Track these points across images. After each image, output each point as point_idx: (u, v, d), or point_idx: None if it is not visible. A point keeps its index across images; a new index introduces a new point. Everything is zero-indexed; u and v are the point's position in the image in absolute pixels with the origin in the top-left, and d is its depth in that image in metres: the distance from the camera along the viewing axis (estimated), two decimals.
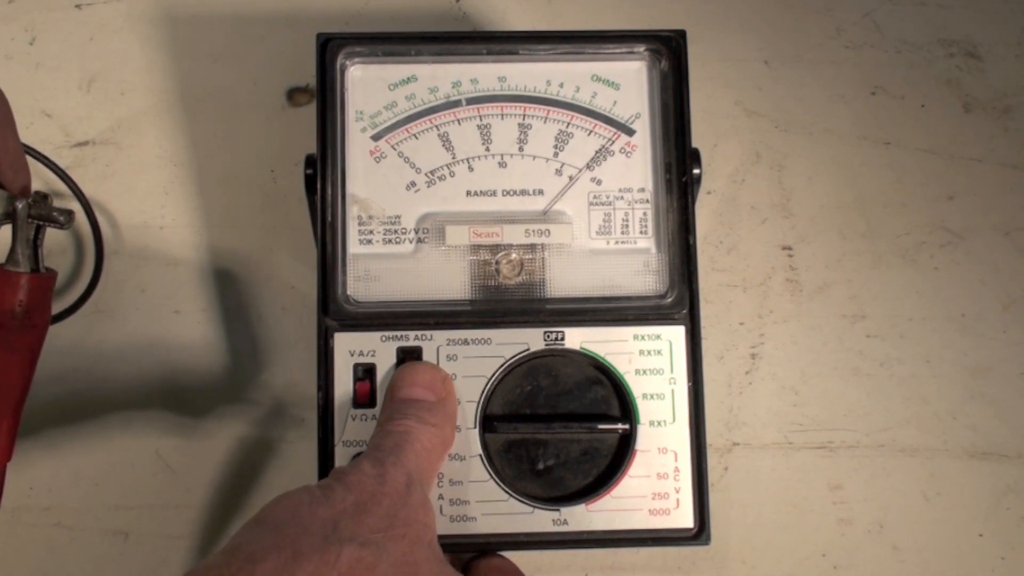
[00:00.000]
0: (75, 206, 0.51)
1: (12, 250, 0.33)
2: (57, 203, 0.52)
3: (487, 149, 0.45)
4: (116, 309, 0.51)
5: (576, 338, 0.43)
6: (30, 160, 0.51)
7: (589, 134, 0.45)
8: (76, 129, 0.53)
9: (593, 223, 0.45)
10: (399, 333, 0.43)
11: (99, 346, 0.50)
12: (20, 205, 0.33)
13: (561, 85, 0.45)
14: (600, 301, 0.44)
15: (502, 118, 0.45)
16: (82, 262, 0.51)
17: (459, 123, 0.45)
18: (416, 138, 0.45)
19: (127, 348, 0.50)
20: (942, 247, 0.54)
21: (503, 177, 0.45)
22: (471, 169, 0.45)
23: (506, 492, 0.42)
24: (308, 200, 0.44)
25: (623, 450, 0.43)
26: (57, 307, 0.50)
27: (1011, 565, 0.50)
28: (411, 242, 0.44)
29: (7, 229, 0.34)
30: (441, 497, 0.42)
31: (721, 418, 0.51)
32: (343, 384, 0.43)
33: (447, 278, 0.44)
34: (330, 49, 0.44)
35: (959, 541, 0.50)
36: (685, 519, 0.43)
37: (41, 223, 0.34)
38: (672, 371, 0.44)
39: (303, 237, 0.51)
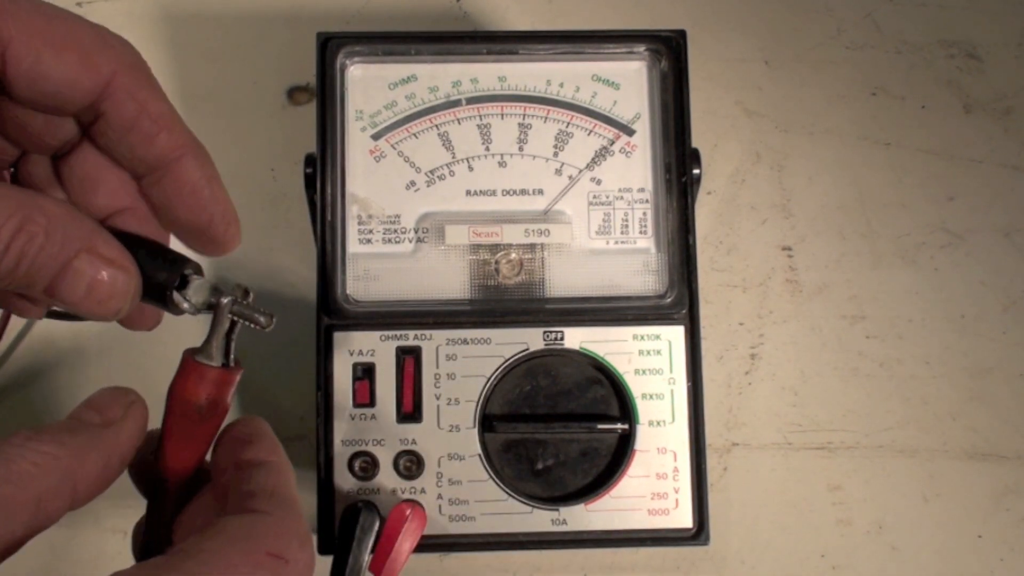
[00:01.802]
0: None
1: (207, 342, 0.33)
2: None
3: (487, 149, 0.45)
4: None
5: (575, 338, 0.43)
6: None
7: (589, 134, 0.45)
8: None
9: (593, 223, 0.45)
10: (398, 333, 0.43)
11: (98, 344, 0.50)
12: (225, 300, 0.34)
13: (561, 85, 0.45)
14: (600, 301, 0.44)
15: (502, 118, 0.45)
16: None
17: (459, 123, 0.45)
18: (416, 137, 0.45)
19: (126, 347, 0.50)
20: (942, 248, 0.54)
21: (503, 177, 0.45)
22: (471, 169, 0.45)
23: (505, 492, 0.42)
24: (308, 199, 0.44)
25: (622, 450, 0.43)
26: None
27: (1010, 566, 0.50)
28: (411, 241, 0.44)
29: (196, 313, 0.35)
30: (440, 497, 0.42)
31: (720, 418, 0.51)
32: (342, 383, 0.43)
33: (447, 278, 0.44)
34: (330, 48, 0.44)
35: (958, 542, 0.50)
36: (684, 519, 0.43)
37: (240, 320, 0.34)
38: (671, 371, 0.44)
39: (303, 236, 0.51)
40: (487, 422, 0.43)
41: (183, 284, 0.34)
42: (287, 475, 0.32)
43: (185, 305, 0.34)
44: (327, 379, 0.43)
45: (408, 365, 0.43)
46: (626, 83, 0.46)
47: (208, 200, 0.34)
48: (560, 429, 0.43)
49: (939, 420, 0.51)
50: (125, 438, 0.31)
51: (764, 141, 0.55)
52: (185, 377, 0.33)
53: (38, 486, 0.28)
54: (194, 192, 0.34)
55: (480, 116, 0.45)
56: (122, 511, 0.49)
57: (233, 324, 0.34)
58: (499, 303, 0.44)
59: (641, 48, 0.46)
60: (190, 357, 0.33)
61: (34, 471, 0.28)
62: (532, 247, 0.44)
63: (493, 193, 0.45)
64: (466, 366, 0.43)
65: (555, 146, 0.45)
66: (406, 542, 0.40)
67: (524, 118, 0.45)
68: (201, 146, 0.34)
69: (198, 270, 0.34)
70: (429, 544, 0.42)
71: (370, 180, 0.44)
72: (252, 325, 0.34)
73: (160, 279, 0.33)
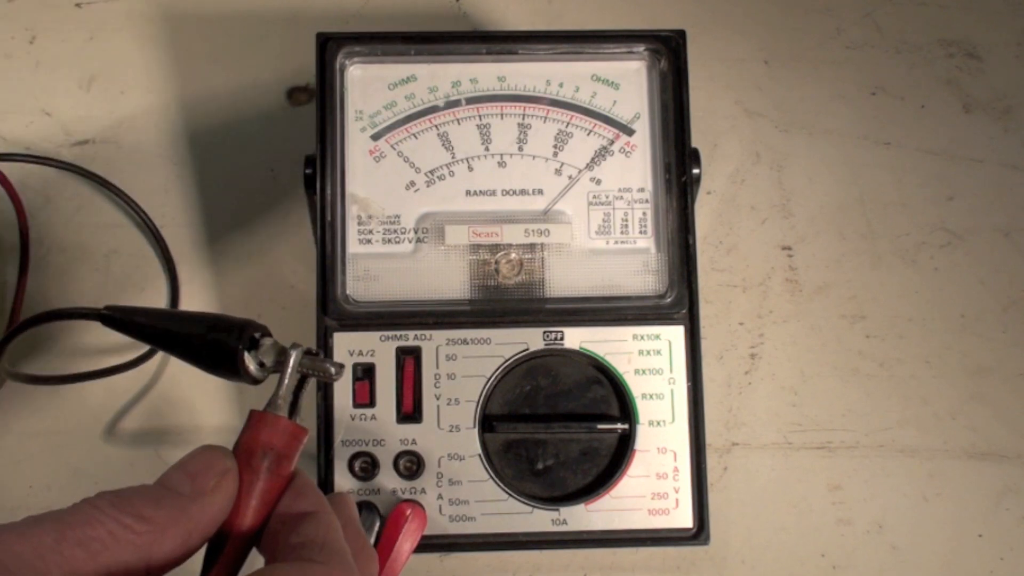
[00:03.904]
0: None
1: (275, 395, 0.33)
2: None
3: (487, 149, 0.45)
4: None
5: (575, 338, 0.43)
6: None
7: (589, 134, 0.45)
8: (76, 128, 0.53)
9: (593, 223, 0.45)
10: (398, 333, 0.43)
11: (98, 345, 0.50)
12: (294, 353, 0.34)
13: (561, 85, 0.45)
14: (599, 301, 0.44)
15: (502, 118, 0.45)
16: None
17: (459, 123, 0.45)
18: (416, 138, 0.45)
19: (126, 347, 0.50)
20: (942, 247, 0.54)
21: (503, 177, 0.45)
22: (471, 169, 0.45)
23: (505, 492, 0.42)
24: (308, 200, 0.44)
25: (622, 450, 0.43)
26: None
27: (1010, 566, 0.50)
28: (410, 242, 0.44)
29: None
30: (440, 497, 0.42)
31: (720, 418, 0.51)
32: (342, 384, 0.43)
33: (446, 278, 0.44)
34: (330, 49, 0.44)
35: (958, 541, 0.50)
36: (684, 519, 0.43)
37: (309, 374, 0.34)
38: (671, 371, 0.44)
39: (303, 237, 0.51)
40: (487, 422, 0.43)
41: (253, 346, 0.34)
42: (336, 526, 0.31)
43: (253, 367, 0.34)
44: None
45: (408, 365, 0.43)
46: (626, 83, 0.46)
47: None
48: (560, 429, 0.43)
49: (939, 420, 0.51)
50: (212, 513, 0.30)
51: (764, 141, 0.55)
52: (253, 427, 0.32)
53: (110, 558, 0.27)
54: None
55: (480, 116, 0.45)
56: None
57: (302, 381, 0.34)
58: (499, 303, 0.44)
59: (641, 48, 0.46)
60: (257, 410, 0.33)
61: (110, 541, 0.27)
62: (532, 247, 0.44)
63: (493, 193, 0.45)
64: (466, 366, 0.43)
65: (555, 146, 0.45)
66: (406, 542, 0.40)
67: (524, 118, 0.45)
68: None
69: (266, 332, 0.35)
70: (429, 544, 0.42)
71: (370, 180, 0.44)
72: (321, 375, 0.34)
73: (230, 344, 0.33)
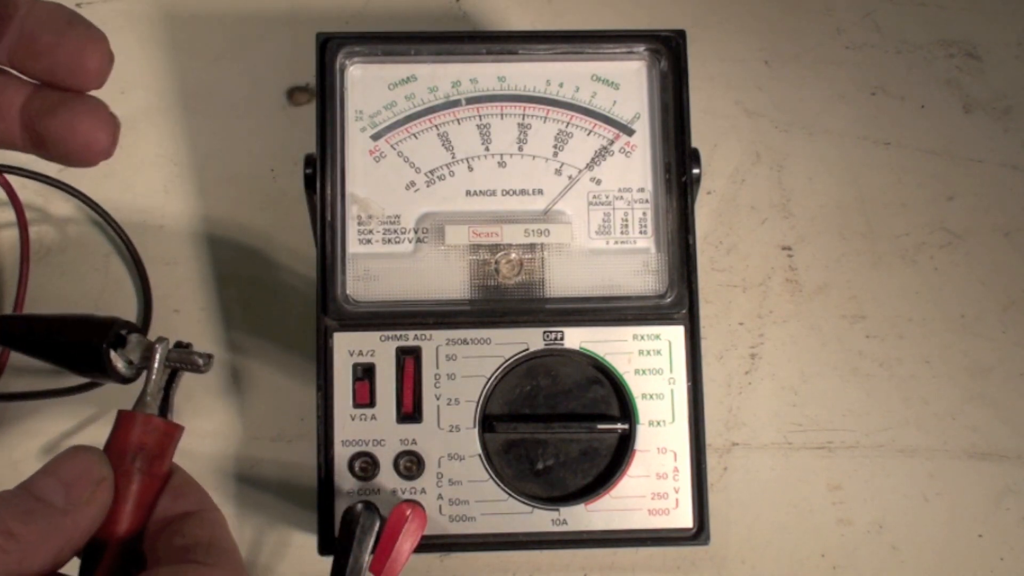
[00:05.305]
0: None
1: (143, 392, 0.32)
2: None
3: (487, 149, 0.45)
4: (116, 308, 0.51)
5: (575, 338, 0.43)
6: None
7: (589, 134, 0.45)
8: None
9: (593, 223, 0.45)
10: (398, 333, 0.43)
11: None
12: (159, 346, 0.33)
13: (561, 85, 0.45)
14: (599, 301, 0.44)
15: (502, 118, 0.45)
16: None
17: (459, 123, 0.45)
18: (416, 138, 0.45)
19: None
20: (942, 248, 0.54)
21: (503, 177, 0.45)
22: (471, 169, 0.45)
23: (505, 492, 0.42)
24: (308, 200, 0.44)
25: (622, 450, 0.43)
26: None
27: (1010, 566, 0.50)
28: (410, 242, 0.44)
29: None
30: (440, 497, 0.42)
31: (720, 418, 0.51)
32: (342, 384, 0.43)
33: (446, 278, 0.44)
34: (330, 49, 0.44)
35: (958, 541, 0.50)
36: (684, 519, 0.43)
37: (178, 367, 0.33)
38: (671, 371, 0.44)
39: (303, 237, 0.51)
40: (487, 422, 0.43)
41: (120, 344, 0.33)
42: (222, 524, 0.30)
43: (121, 364, 0.33)
44: (327, 379, 0.43)
45: (408, 365, 0.43)
46: (626, 83, 0.46)
47: (65, 19, 0.29)
48: (560, 429, 0.43)
49: (939, 420, 0.51)
50: (85, 525, 0.28)
51: (764, 141, 0.55)
52: (121, 428, 0.31)
53: None
54: (51, 17, 0.29)
55: (480, 116, 0.45)
56: None
57: (172, 376, 0.33)
58: (499, 303, 0.44)
59: (641, 48, 0.46)
60: (125, 409, 0.32)
61: None
62: (532, 247, 0.44)
63: (493, 193, 0.45)
64: (466, 366, 0.43)
65: (555, 146, 0.45)
66: (406, 542, 0.40)
67: (524, 118, 0.45)
68: None
69: (134, 328, 0.34)
70: (429, 544, 0.42)
71: (370, 180, 0.44)
72: (189, 367, 0.33)
73: (93, 343, 0.32)
